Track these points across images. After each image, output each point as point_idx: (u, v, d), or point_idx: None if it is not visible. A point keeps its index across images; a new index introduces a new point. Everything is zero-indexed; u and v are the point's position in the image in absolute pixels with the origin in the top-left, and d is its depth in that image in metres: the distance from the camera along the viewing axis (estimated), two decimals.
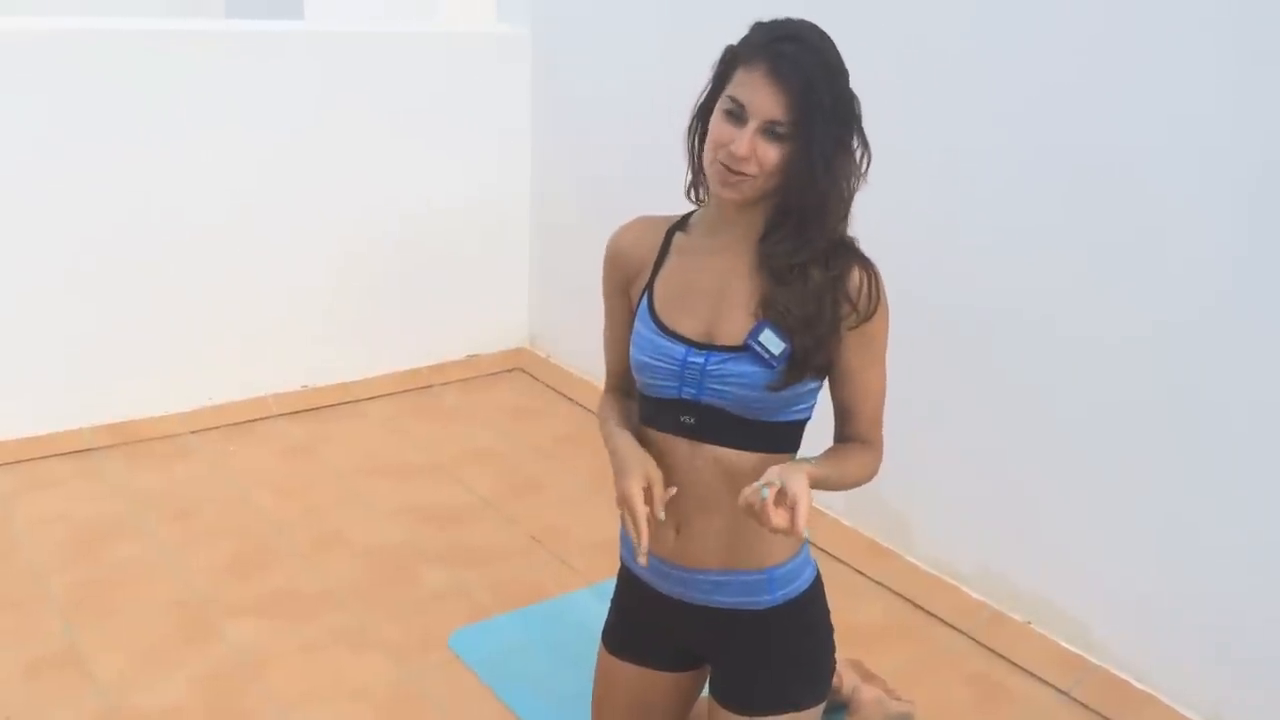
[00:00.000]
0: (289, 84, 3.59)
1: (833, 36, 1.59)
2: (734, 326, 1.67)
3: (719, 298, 1.69)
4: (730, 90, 1.58)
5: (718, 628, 1.81)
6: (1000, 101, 2.53)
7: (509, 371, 4.16)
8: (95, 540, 2.93)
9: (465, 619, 2.66)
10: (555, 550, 2.99)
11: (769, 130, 1.55)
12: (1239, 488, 2.21)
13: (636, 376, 1.77)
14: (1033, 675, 2.51)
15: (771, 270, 1.65)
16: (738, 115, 1.56)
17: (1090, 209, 2.38)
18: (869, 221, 1.70)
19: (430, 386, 3.99)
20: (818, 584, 1.85)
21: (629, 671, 1.95)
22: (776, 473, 1.54)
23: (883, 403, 1.75)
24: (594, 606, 2.73)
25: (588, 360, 3.94)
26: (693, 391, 1.69)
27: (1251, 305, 2.14)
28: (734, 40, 1.63)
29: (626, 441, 1.77)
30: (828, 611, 1.87)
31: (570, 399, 3.92)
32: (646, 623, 1.92)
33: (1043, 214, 2.47)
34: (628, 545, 1.90)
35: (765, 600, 1.79)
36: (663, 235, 1.77)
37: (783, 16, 1.60)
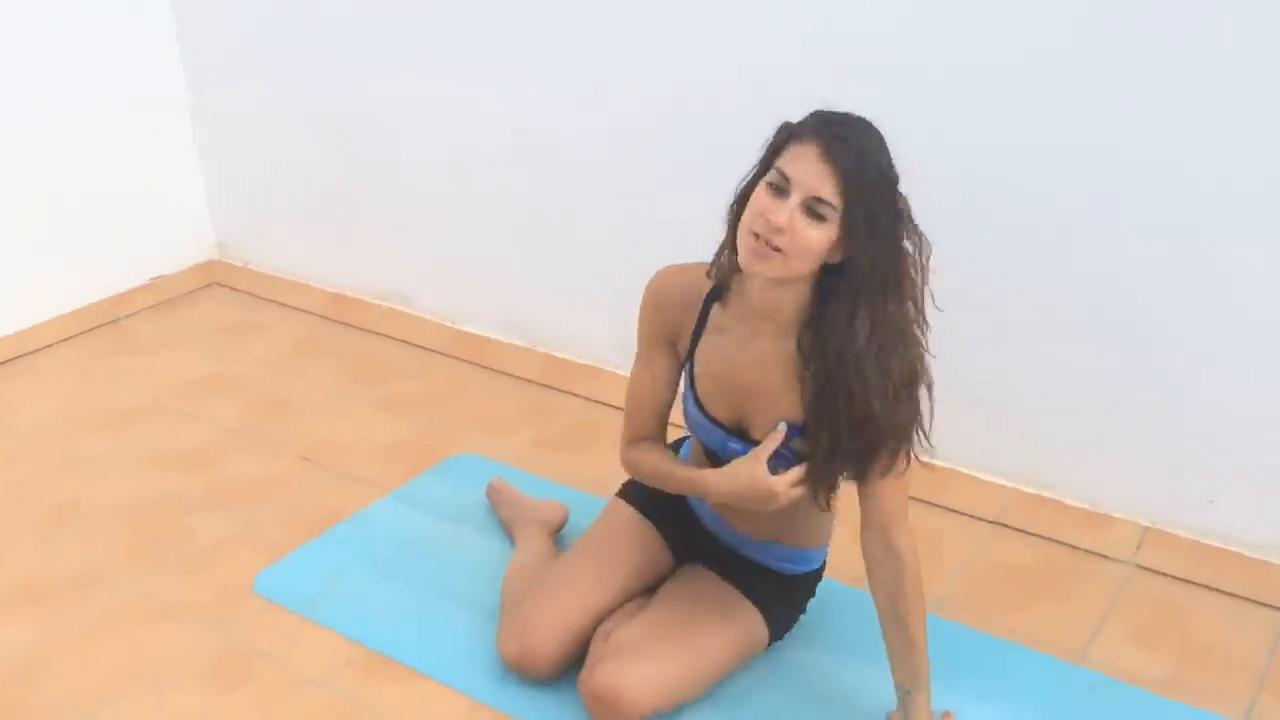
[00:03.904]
0: None
1: None
2: (766, 423, 1.77)
3: (752, 391, 1.77)
4: (779, 164, 1.59)
5: (733, 562, 1.99)
6: None
7: (205, 288, 3.70)
8: None
9: (265, 561, 2.38)
10: (334, 466, 2.73)
11: (811, 208, 1.56)
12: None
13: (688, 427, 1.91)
14: (962, 514, 2.52)
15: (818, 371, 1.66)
16: (781, 188, 1.57)
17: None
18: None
19: (116, 320, 3.48)
20: (823, 564, 2.06)
21: (641, 523, 2.06)
22: None
23: (906, 494, 1.78)
24: (403, 512, 2.54)
25: (295, 261, 3.58)
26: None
27: None
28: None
29: (708, 471, 1.84)
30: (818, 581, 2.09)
31: (285, 305, 3.56)
32: (675, 518, 2.06)
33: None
34: (685, 459, 2.01)
35: (788, 567, 1.99)
36: (701, 301, 1.80)
37: (843, 110, 1.62)
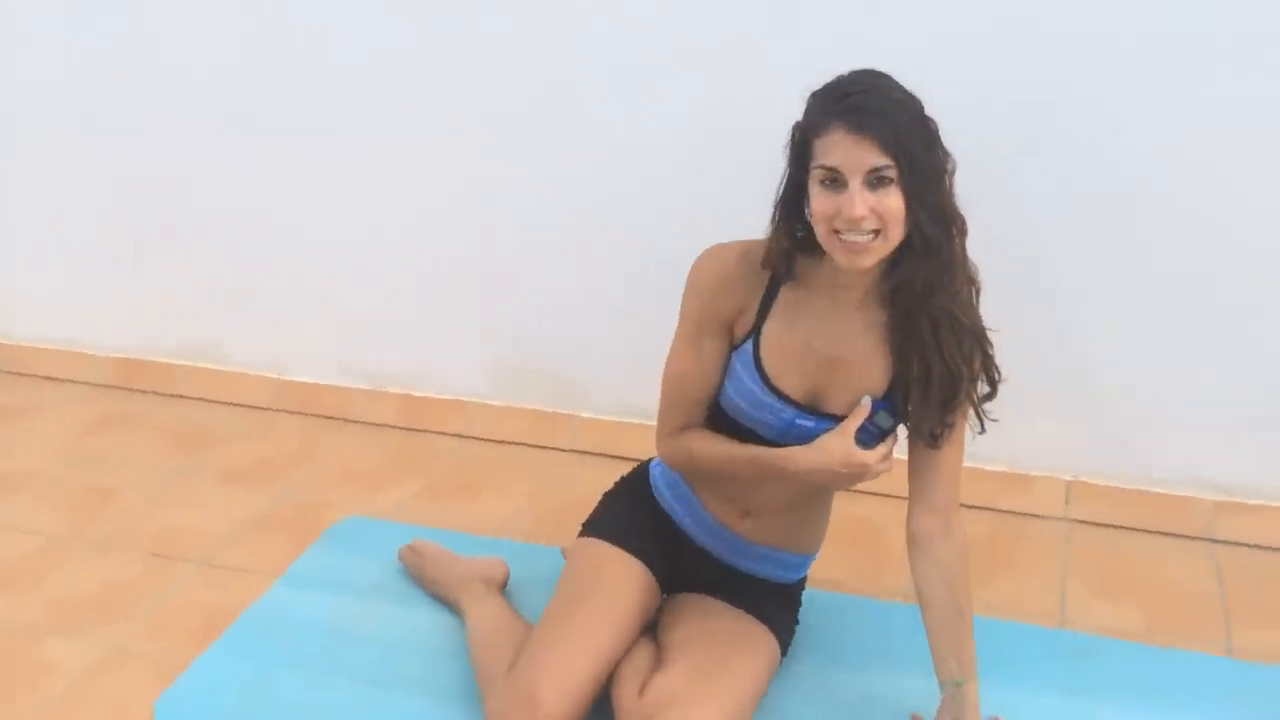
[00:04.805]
0: None
1: None
2: (847, 396, 1.72)
3: (835, 362, 1.71)
4: (819, 162, 1.54)
5: (729, 579, 1.93)
6: None
7: None
8: None
9: (157, 684, 1.98)
10: (195, 557, 2.34)
11: (874, 181, 1.52)
12: None
13: (727, 413, 1.79)
14: (893, 497, 2.37)
15: (910, 326, 1.65)
16: (837, 181, 1.53)
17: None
18: None
19: None
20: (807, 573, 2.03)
21: (625, 558, 1.89)
22: None
23: (960, 471, 1.78)
24: (302, 596, 2.24)
25: (61, 328, 3.09)
26: (794, 445, 1.73)
27: None
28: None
29: (790, 448, 1.73)
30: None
31: (58, 379, 3.06)
32: (657, 546, 1.93)
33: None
34: (668, 480, 1.95)
35: (788, 576, 1.96)
36: (766, 280, 1.72)
37: (833, 76, 1.57)
